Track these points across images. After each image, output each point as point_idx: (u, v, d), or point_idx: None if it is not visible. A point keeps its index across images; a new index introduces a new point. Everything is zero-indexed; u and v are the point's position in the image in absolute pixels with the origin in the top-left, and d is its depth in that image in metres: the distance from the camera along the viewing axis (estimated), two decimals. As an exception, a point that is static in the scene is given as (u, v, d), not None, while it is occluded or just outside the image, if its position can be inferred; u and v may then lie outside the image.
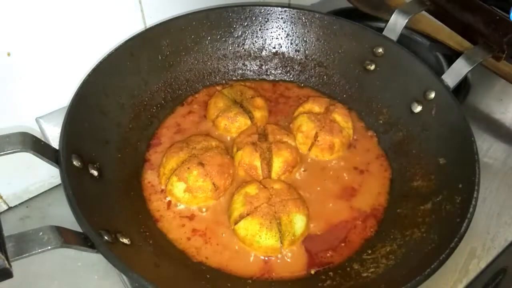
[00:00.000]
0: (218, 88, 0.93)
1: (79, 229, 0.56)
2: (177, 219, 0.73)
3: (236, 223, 0.70)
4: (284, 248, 0.69)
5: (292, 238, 0.69)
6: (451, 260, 0.57)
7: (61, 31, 0.78)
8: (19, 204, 0.87)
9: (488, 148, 0.92)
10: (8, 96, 0.77)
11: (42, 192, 0.89)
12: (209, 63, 0.94)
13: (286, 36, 0.95)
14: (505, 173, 0.88)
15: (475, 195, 0.64)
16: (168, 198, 0.76)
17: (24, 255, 0.49)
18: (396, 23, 0.87)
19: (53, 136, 0.80)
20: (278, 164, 0.77)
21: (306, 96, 0.93)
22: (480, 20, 0.81)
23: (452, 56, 1.02)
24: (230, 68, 0.96)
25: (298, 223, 0.69)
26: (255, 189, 0.72)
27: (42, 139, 0.64)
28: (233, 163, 0.79)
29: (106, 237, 0.58)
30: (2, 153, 0.56)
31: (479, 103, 1.02)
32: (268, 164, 0.78)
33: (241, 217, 0.70)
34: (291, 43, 0.95)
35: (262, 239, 0.68)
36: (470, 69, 0.77)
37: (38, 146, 0.59)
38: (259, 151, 0.77)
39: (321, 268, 0.69)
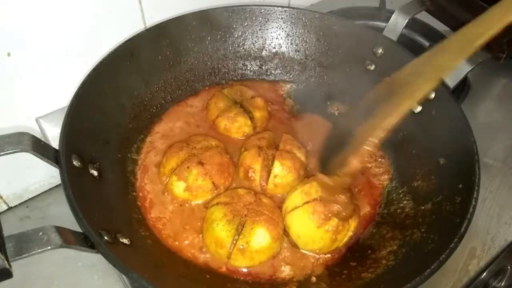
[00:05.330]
0: (218, 88, 0.93)
1: (79, 229, 0.56)
2: (177, 219, 0.73)
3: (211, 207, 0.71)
4: (234, 252, 0.66)
5: (245, 246, 0.66)
6: (451, 260, 0.57)
7: (61, 31, 0.78)
8: (19, 204, 0.88)
9: (488, 148, 0.92)
10: (8, 96, 0.77)
11: (42, 192, 0.90)
12: (209, 63, 0.94)
13: (286, 36, 0.95)
14: (505, 173, 0.88)
15: (475, 195, 0.64)
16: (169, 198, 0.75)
17: (24, 255, 0.49)
18: (396, 23, 0.87)
19: (53, 136, 0.80)
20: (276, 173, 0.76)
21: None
22: (480, 20, 0.81)
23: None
24: (230, 68, 0.96)
25: (259, 237, 0.66)
26: (245, 192, 0.72)
27: (42, 139, 0.64)
28: (233, 162, 0.79)
29: (106, 237, 0.58)
30: (2, 153, 0.56)
31: (479, 103, 1.02)
32: (269, 171, 0.76)
33: (217, 204, 0.70)
34: (291, 43, 0.95)
35: (218, 227, 0.67)
36: (470, 69, 0.77)
37: (38, 146, 0.59)
38: (262, 155, 0.77)
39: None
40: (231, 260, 0.67)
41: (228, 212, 0.68)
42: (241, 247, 0.66)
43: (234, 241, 0.66)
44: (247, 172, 0.77)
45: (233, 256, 0.67)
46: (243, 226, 0.67)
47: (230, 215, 0.68)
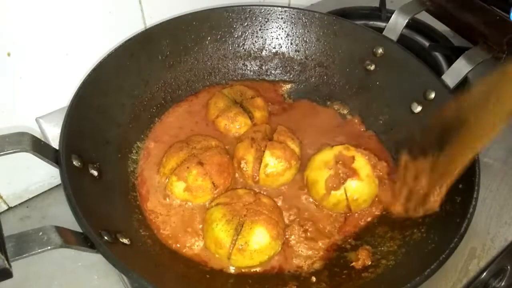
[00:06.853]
0: (218, 88, 0.93)
1: (79, 229, 0.56)
2: (177, 219, 0.73)
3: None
4: (233, 252, 0.66)
5: (244, 246, 0.66)
6: (451, 260, 0.57)
7: (61, 31, 0.78)
8: (19, 204, 0.88)
9: (488, 148, 0.92)
10: (8, 96, 0.77)
11: (42, 192, 0.90)
12: (209, 63, 0.94)
13: (286, 36, 0.95)
14: (505, 173, 0.88)
15: (475, 195, 0.64)
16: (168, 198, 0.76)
17: (24, 255, 0.49)
18: (396, 23, 0.87)
19: (53, 136, 0.80)
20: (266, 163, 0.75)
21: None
22: (480, 20, 0.81)
23: (452, 56, 1.02)
24: (230, 68, 0.96)
25: (258, 236, 0.66)
26: (245, 192, 0.72)
27: (42, 139, 0.64)
28: (233, 162, 0.79)
29: (106, 237, 0.58)
30: (2, 153, 0.56)
31: (479, 103, 1.02)
32: (260, 162, 0.75)
33: (217, 204, 0.71)
34: (291, 43, 0.95)
35: (217, 227, 0.67)
36: (470, 69, 0.77)
37: (38, 146, 0.59)
38: (255, 147, 0.76)
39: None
40: (231, 260, 0.67)
41: (227, 212, 0.68)
42: (240, 247, 0.66)
43: (234, 241, 0.66)
44: (239, 163, 0.77)
45: (233, 256, 0.67)
46: (242, 226, 0.67)
47: (229, 215, 0.68)
